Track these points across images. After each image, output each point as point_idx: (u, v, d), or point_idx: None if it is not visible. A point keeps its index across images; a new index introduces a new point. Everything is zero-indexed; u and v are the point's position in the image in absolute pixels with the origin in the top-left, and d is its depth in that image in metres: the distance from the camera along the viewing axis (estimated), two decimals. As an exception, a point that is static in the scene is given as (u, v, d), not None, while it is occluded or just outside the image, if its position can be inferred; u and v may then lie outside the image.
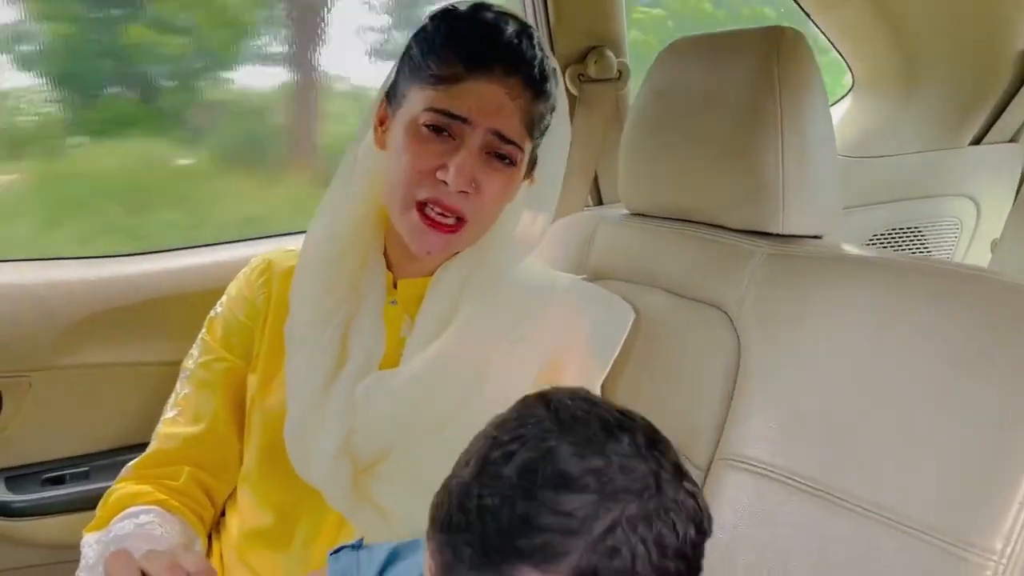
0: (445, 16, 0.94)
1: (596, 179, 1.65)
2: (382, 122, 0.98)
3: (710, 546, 0.81)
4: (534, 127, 0.94)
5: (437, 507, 0.56)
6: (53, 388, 1.30)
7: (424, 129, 0.91)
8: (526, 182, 1.01)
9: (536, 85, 0.93)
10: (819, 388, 0.81)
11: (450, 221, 0.93)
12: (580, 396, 0.58)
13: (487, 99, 0.91)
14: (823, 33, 1.77)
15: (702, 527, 0.57)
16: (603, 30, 1.57)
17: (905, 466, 0.72)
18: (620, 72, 1.58)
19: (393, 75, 0.98)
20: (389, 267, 1.01)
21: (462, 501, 0.54)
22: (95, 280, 1.35)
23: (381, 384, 0.93)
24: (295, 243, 1.05)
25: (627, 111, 1.60)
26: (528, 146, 0.95)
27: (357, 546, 0.79)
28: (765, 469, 0.82)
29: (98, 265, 1.39)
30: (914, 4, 1.65)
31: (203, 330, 1.06)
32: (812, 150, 0.95)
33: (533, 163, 1.00)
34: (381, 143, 0.98)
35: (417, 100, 0.92)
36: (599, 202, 1.68)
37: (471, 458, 0.56)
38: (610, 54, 1.56)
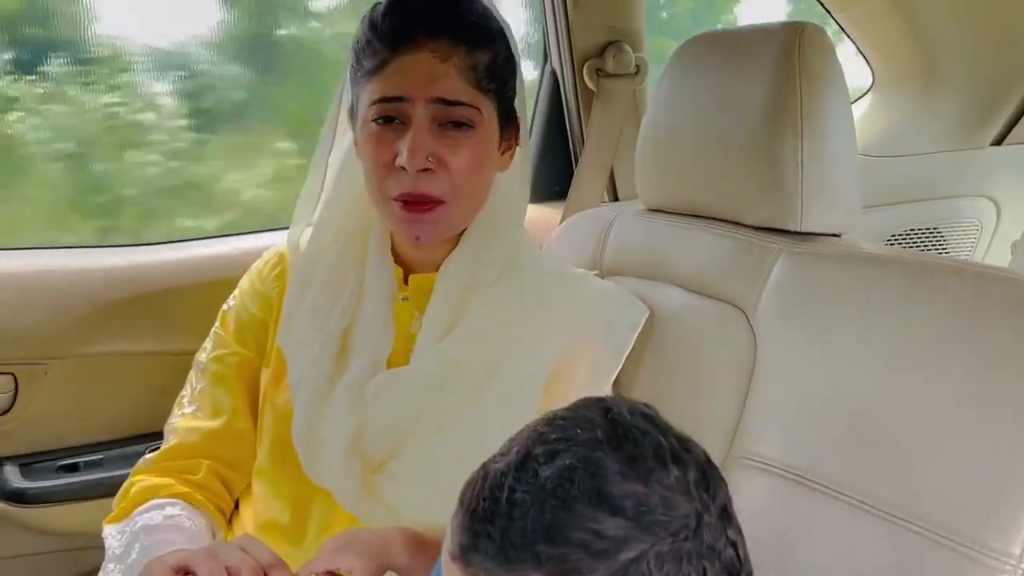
0: (368, 13, 0.94)
1: (612, 174, 1.65)
2: (356, 141, 0.98)
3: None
4: (481, 80, 0.91)
5: (469, 486, 0.54)
6: (68, 376, 1.31)
7: (374, 125, 0.91)
8: (519, 148, 0.99)
9: (468, 38, 0.91)
10: (836, 387, 0.80)
11: (427, 204, 0.92)
12: (641, 412, 0.55)
13: (417, 70, 0.89)
14: (843, 30, 1.76)
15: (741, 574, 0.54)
16: (622, 25, 1.57)
17: (923, 467, 0.72)
18: (638, 67, 1.57)
19: (348, 93, 0.98)
20: (400, 263, 1.01)
21: (494, 490, 0.52)
22: (110, 269, 1.36)
23: (392, 382, 0.93)
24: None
25: (644, 106, 1.60)
26: (485, 103, 0.92)
27: None
28: (780, 468, 0.81)
29: (113, 254, 1.40)
30: (936, 1, 1.63)
31: (216, 323, 1.06)
32: (832, 147, 0.94)
33: (510, 119, 0.97)
34: (359, 156, 0.98)
35: (364, 101, 0.92)
36: (615, 198, 1.67)
37: (514, 447, 0.54)
38: (628, 49, 1.56)
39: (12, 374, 1.29)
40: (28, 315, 1.30)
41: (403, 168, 0.89)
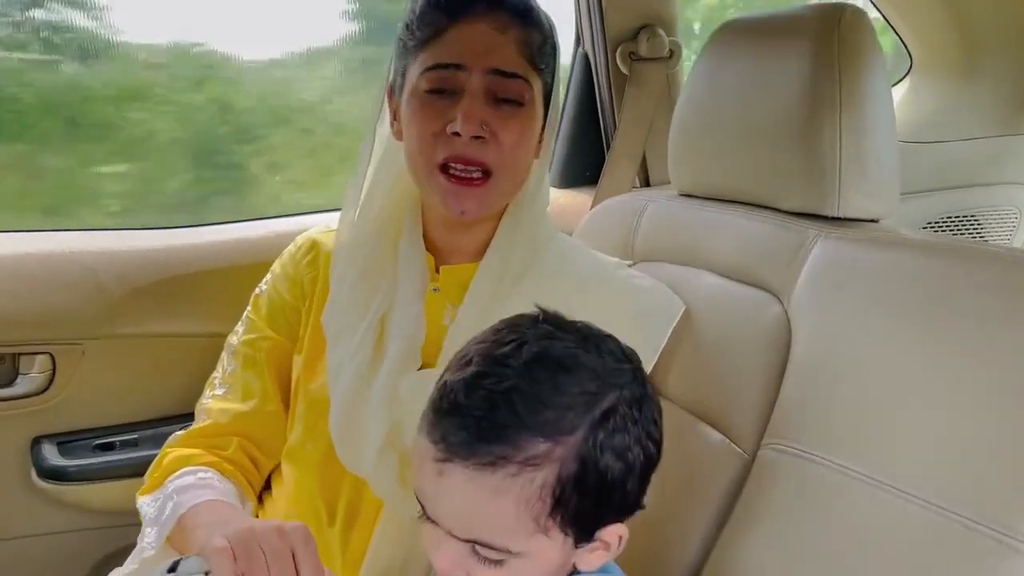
0: None
1: (644, 160, 1.63)
2: (395, 115, 0.98)
3: (757, 530, 0.82)
4: (534, 56, 0.92)
5: (441, 399, 0.62)
6: (105, 356, 1.33)
7: (426, 95, 0.91)
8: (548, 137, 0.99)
9: (525, 14, 0.91)
10: (874, 374, 0.79)
11: (476, 174, 0.91)
12: (551, 313, 0.68)
13: (476, 39, 0.90)
14: (881, 14, 1.73)
15: (660, 422, 0.67)
16: (655, 9, 1.56)
17: (959, 454, 0.71)
18: (671, 51, 1.56)
19: (391, 67, 0.98)
20: (431, 250, 1.00)
21: (469, 389, 0.61)
22: (145, 251, 1.38)
23: (426, 382, 0.92)
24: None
25: (678, 91, 1.58)
26: (536, 80, 0.93)
27: None
28: (814, 455, 0.81)
29: (147, 237, 1.41)
30: (976, -16, 1.61)
31: (248, 307, 1.07)
32: (871, 131, 0.92)
33: (548, 105, 0.98)
34: (399, 134, 0.97)
35: (414, 72, 0.92)
36: (646, 183, 1.66)
37: (471, 357, 0.63)
38: (662, 33, 1.55)
39: (50, 354, 1.31)
40: (64, 296, 1.32)
41: (455, 134, 0.89)
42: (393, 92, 0.98)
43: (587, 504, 0.61)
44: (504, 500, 0.59)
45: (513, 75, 0.90)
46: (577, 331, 0.66)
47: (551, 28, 0.96)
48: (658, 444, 0.66)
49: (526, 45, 0.91)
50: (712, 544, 0.88)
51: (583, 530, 0.63)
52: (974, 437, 0.70)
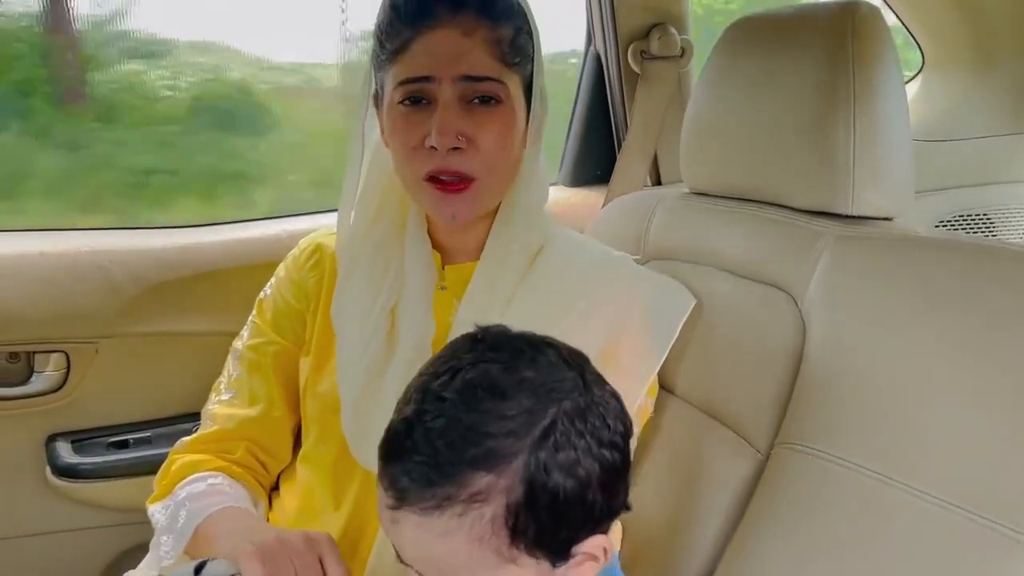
0: None
1: (655, 158, 1.63)
2: (382, 127, 0.98)
3: (770, 530, 0.82)
4: (506, 54, 0.90)
5: (386, 444, 0.61)
6: (119, 355, 1.34)
7: (401, 107, 0.91)
8: (538, 125, 0.97)
9: (491, 11, 0.90)
10: (888, 374, 0.79)
11: (459, 181, 0.91)
12: (501, 326, 0.66)
13: (443, 48, 0.88)
14: (894, 11, 1.72)
15: (628, 424, 0.64)
16: (666, 7, 1.55)
17: (980, 453, 0.70)
18: (683, 50, 1.56)
19: (371, 79, 0.97)
20: (437, 247, 1.00)
21: (410, 430, 0.59)
22: (159, 250, 1.38)
23: None
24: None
25: (689, 89, 1.58)
26: (511, 77, 0.91)
27: None
28: (827, 454, 0.80)
29: (160, 235, 1.42)
30: (990, -20, 1.60)
31: (253, 312, 1.07)
32: (885, 129, 0.92)
33: (532, 95, 0.96)
34: (387, 143, 0.97)
35: (388, 86, 0.92)
36: (658, 182, 1.66)
37: (411, 395, 0.62)
38: (673, 31, 1.54)
39: (65, 352, 1.32)
40: (79, 294, 1.32)
41: (433, 148, 0.89)
42: (377, 102, 0.97)
43: (547, 526, 0.59)
44: (456, 540, 0.58)
45: (484, 79, 0.89)
46: (512, 348, 0.63)
47: (525, 15, 0.94)
48: (617, 446, 0.63)
49: (496, 44, 0.90)
50: (725, 544, 0.87)
51: (555, 551, 0.61)
52: (991, 435, 0.70)
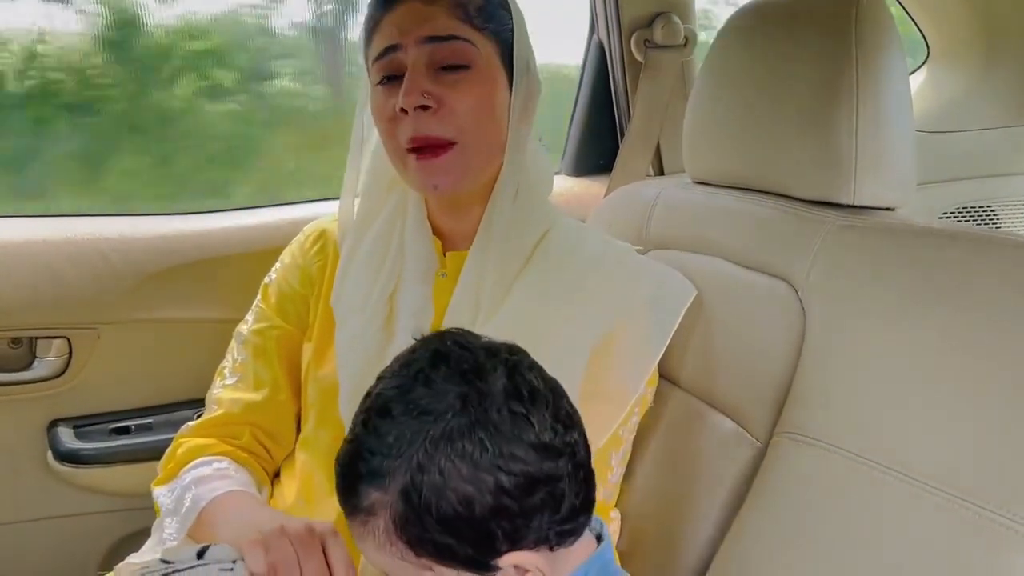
0: None
1: (658, 148, 1.63)
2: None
3: (769, 520, 0.82)
4: (472, 16, 0.91)
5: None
6: (120, 341, 1.34)
7: (379, 88, 0.93)
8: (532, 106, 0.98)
9: None
10: (889, 363, 0.79)
11: (438, 145, 0.91)
12: (458, 335, 0.66)
13: (407, 16, 0.90)
14: (899, 2, 1.71)
15: (543, 445, 0.62)
16: (671, -5, 1.55)
17: (980, 445, 0.70)
18: (686, 39, 1.55)
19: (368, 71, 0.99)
20: (438, 235, 1.00)
21: (343, 445, 0.66)
22: (160, 237, 1.39)
23: None
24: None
25: (692, 78, 1.57)
26: (482, 40, 0.92)
27: None
28: (827, 444, 0.81)
29: (162, 222, 1.42)
30: (995, -30, 1.59)
31: (258, 296, 1.07)
32: (888, 118, 0.92)
33: (521, 70, 0.95)
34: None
35: (371, 69, 0.94)
36: (660, 172, 1.66)
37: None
38: (677, 20, 1.54)
39: (67, 338, 1.32)
40: (81, 281, 1.33)
41: (403, 111, 0.89)
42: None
43: (443, 538, 0.61)
44: (367, 547, 0.64)
45: (449, 37, 0.90)
46: (412, 365, 0.64)
47: None
48: (505, 470, 0.60)
49: (459, 7, 0.91)
50: (724, 532, 0.88)
51: (468, 564, 0.63)
52: (991, 426, 0.70)
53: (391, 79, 0.92)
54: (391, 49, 0.91)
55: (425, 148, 0.91)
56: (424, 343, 0.67)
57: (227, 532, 0.85)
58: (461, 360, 0.63)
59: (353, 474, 0.63)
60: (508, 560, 0.63)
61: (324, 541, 0.77)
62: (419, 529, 0.61)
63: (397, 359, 0.67)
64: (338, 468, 0.65)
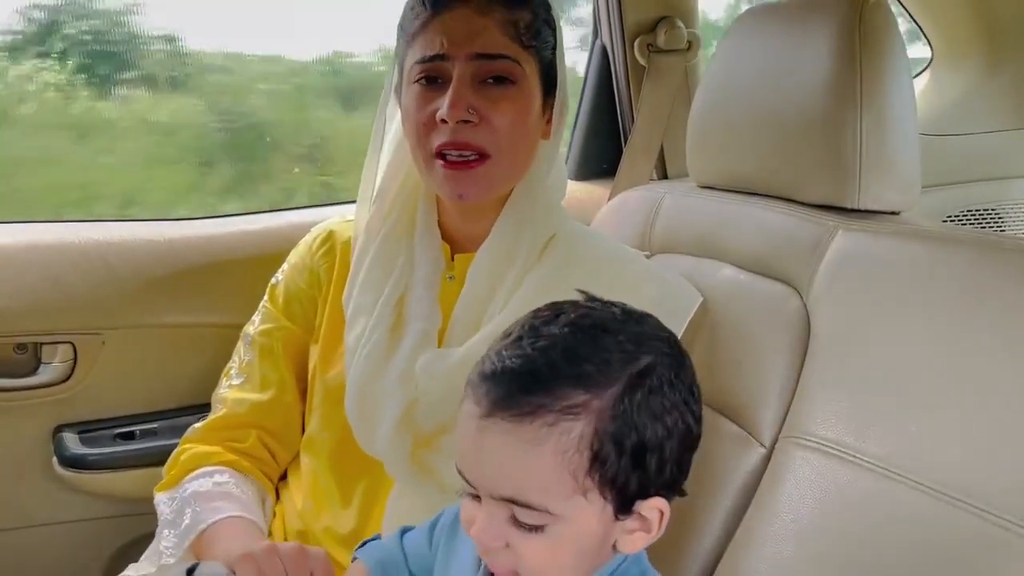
0: None
1: (662, 152, 1.63)
2: (402, 108, 0.98)
3: (775, 524, 0.82)
4: (522, 35, 0.92)
5: (480, 366, 0.63)
6: (125, 346, 1.34)
7: (417, 86, 0.92)
8: (561, 124, 0.99)
9: None
10: (894, 367, 0.79)
11: (471, 157, 0.91)
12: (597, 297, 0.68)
13: (458, 27, 0.90)
14: (903, 5, 1.71)
15: (699, 397, 0.66)
16: (673, 0, 1.55)
17: (987, 449, 0.70)
18: (690, 43, 1.55)
19: (394, 71, 0.99)
20: (447, 239, 1.01)
21: (509, 351, 0.62)
22: (164, 242, 1.39)
23: (439, 361, 0.93)
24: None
25: (696, 83, 1.57)
26: (527, 58, 0.93)
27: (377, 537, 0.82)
28: (833, 448, 0.80)
29: (167, 228, 1.42)
30: (998, -26, 1.59)
31: (265, 297, 1.08)
32: (893, 122, 0.92)
33: (554, 87, 0.97)
34: (404, 123, 0.98)
35: (407, 66, 0.94)
36: (664, 176, 1.66)
37: (512, 331, 0.64)
38: (680, 24, 1.54)
39: (71, 343, 1.32)
40: (85, 286, 1.33)
41: (444, 121, 0.90)
42: (399, 90, 0.99)
43: (624, 464, 0.60)
44: (542, 450, 0.59)
45: (498, 56, 0.90)
46: (619, 306, 0.66)
47: (544, 5, 0.95)
48: (697, 418, 0.65)
49: (511, 25, 0.91)
50: (730, 536, 0.87)
51: (622, 496, 0.62)
52: (998, 430, 0.70)
53: (431, 81, 0.92)
54: (438, 57, 0.91)
55: (457, 156, 0.91)
56: (576, 300, 0.67)
57: (220, 556, 0.85)
58: (650, 316, 0.68)
59: (555, 374, 0.60)
60: (653, 504, 0.63)
61: (313, 568, 0.79)
62: (616, 443, 0.60)
63: (553, 305, 0.66)
64: (525, 364, 0.60)
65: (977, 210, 1.76)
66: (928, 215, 1.67)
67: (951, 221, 1.76)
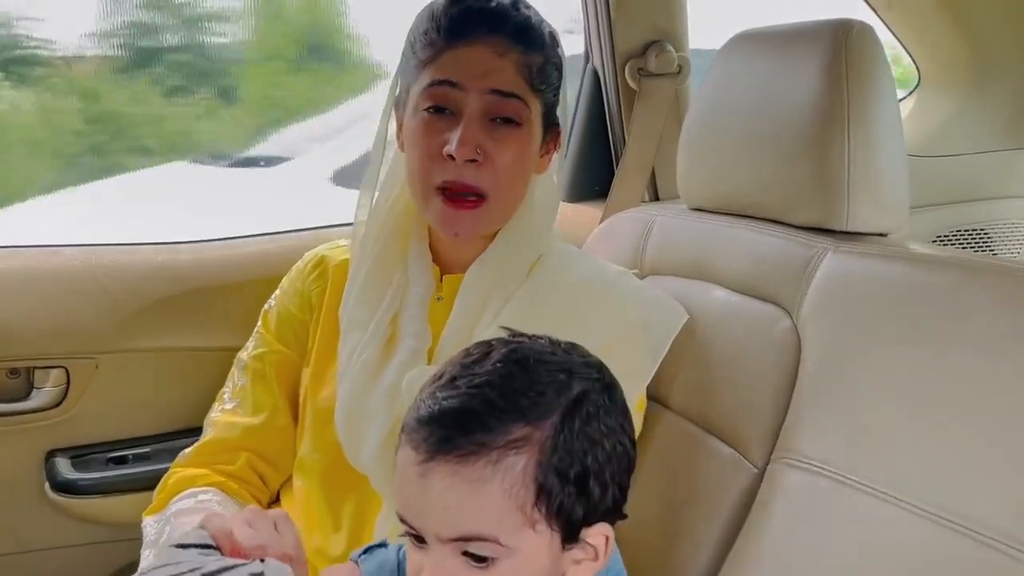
0: (426, 6, 0.96)
1: (653, 174, 1.64)
2: (401, 128, 0.99)
3: (767, 545, 0.82)
4: (534, 79, 0.93)
5: (414, 412, 0.63)
6: (118, 371, 1.34)
7: (426, 113, 0.93)
8: (556, 154, 1.00)
9: (525, 39, 0.92)
10: (884, 388, 0.79)
11: (471, 197, 0.93)
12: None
13: (476, 62, 0.91)
14: (890, 29, 1.73)
15: (631, 424, 0.68)
16: (664, 24, 1.56)
17: (976, 470, 0.71)
18: (680, 67, 1.57)
19: (398, 82, 0.99)
20: (437, 260, 1.02)
21: (447, 393, 0.62)
22: (158, 266, 1.39)
23: (425, 378, 0.92)
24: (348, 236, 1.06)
25: (686, 106, 1.59)
26: (534, 101, 0.94)
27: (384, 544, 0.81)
28: (824, 469, 0.81)
29: (160, 252, 1.42)
30: (984, -3, 1.61)
31: (259, 323, 1.08)
32: (880, 145, 0.93)
33: (553, 126, 0.99)
34: (403, 147, 0.99)
35: (416, 90, 0.94)
36: (655, 198, 1.67)
37: (444, 373, 0.64)
38: (671, 48, 1.55)
39: (64, 368, 1.32)
40: (78, 310, 1.33)
41: (450, 157, 0.90)
42: (399, 106, 0.99)
43: (569, 492, 0.61)
44: (489, 488, 0.60)
45: (511, 95, 0.92)
46: (544, 337, 0.68)
47: (555, 47, 0.97)
48: (633, 441, 0.67)
49: (526, 67, 0.92)
50: (722, 559, 0.87)
51: (568, 525, 0.63)
52: (987, 452, 0.70)
53: (439, 110, 0.92)
54: (449, 84, 0.91)
55: (456, 195, 0.92)
56: (501, 338, 0.68)
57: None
58: (579, 347, 0.70)
59: (493, 411, 0.61)
60: (598, 531, 0.65)
61: (275, 516, 0.79)
62: (560, 473, 0.61)
63: (479, 343, 0.67)
64: (462, 404, 0.61)
65: (966, 230, 1.78)
66: (917, 236, 1.68)
67: (940, 242, 1.77)
